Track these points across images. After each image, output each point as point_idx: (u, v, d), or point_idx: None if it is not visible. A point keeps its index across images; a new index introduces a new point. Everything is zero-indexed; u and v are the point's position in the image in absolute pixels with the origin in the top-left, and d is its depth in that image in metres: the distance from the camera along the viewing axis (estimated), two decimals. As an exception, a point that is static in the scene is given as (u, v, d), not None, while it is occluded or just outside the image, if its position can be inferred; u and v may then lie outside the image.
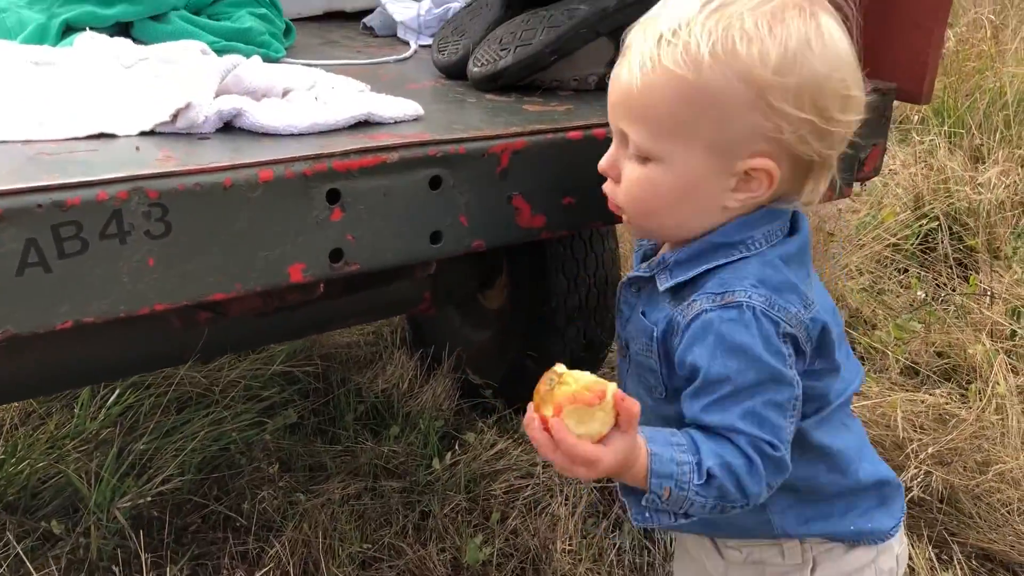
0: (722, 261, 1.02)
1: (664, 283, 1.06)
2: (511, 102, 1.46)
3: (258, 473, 2.14)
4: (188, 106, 1.14)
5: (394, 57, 1.78)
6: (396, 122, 1.29)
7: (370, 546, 1.92)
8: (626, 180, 1.06)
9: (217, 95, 1.21)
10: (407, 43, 1.96)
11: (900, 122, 4.04)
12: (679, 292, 1.05)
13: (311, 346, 2.66)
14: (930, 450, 2.01)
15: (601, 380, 0.92)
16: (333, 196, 1.12)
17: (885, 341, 2.51)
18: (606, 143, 1.35)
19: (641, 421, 0.94)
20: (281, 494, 2.06)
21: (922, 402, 2.16)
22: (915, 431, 2.09)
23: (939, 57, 1.71)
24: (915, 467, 1.99)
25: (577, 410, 0.89)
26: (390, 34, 2.09)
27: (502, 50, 1.51)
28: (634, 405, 0.91)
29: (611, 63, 1.54)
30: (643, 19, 1.04)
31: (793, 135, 0.97)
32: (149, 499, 2.02)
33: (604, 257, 2.33)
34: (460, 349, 2.57)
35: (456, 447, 2.23)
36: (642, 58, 0.99)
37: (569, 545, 1.98)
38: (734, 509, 0.99)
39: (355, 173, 1.15)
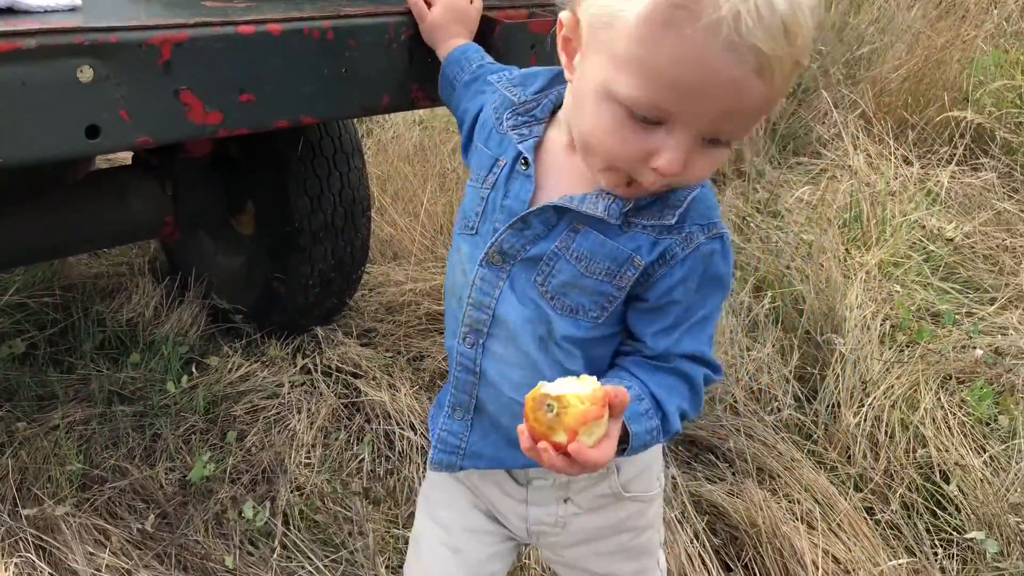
0: (694, 192, 1.00)
1: (652, 218, 0.99)
2: (194, 0, 1.42)
3: (-23, 405, 2.03)
4: None
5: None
6: (46, 11, 1.22)
7: (91, 468, 1.87)
8: (697, 169, 0.93)
9: None
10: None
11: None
12: (658, 218, 1.00)
13: (52, 277, 2.53)
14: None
15: (591, 384, 0.89)
16: (-44, 82, 1.06)
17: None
18: (284, 38, 1.36)
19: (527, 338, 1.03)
20: (1, 424, 1.97)
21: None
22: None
23: None
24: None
25: (588, 427, 0.88)
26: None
27: (187, -53, 1.46)
28: (624, 394, 0.90)
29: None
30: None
31: None
32: None
33: (350, 176, 2.32)
34: (211, 275, 2.52)
35: (194, 370, 2.19)
36: (779, 60, 0.84)
37: (307, 458, 1.99)
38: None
39: (-15, 59, 1.09)
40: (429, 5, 1.43)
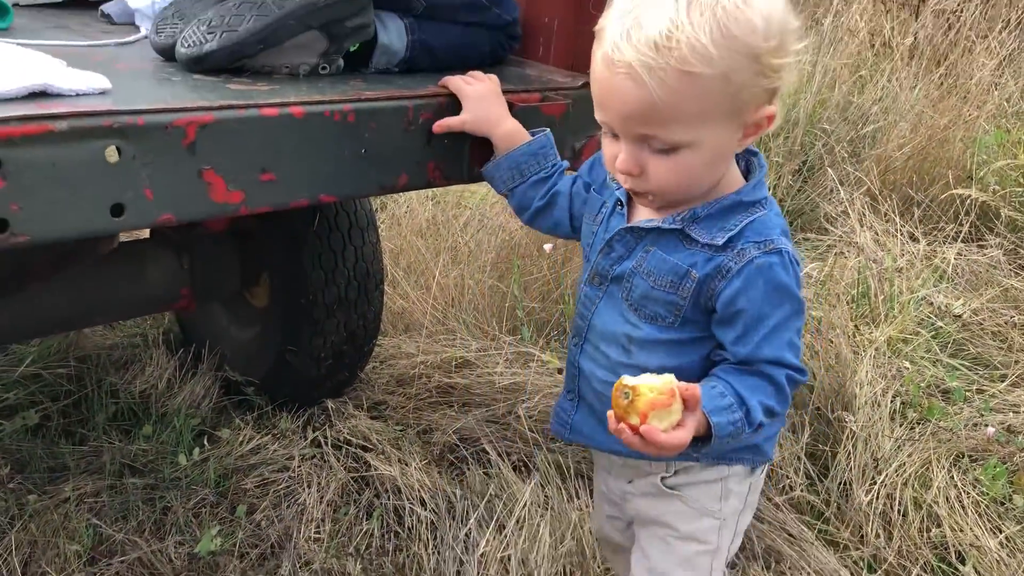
0: (753, 216, 1.18)
1: (706, 237, 1.18)
2: (217, 81, 1.46)
3: (-12, 477, 2.04)
4: None
5: (115, 40, 1.75)
6: (78, 95, 1.27)
7: (100, 541, 1.87)
8: (658, 172, 1.14)
9: None
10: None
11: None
12: (710, 238, 1.18)
13: (67, 348, 2.56)
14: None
15: (665, 379, 1.08)
16: (-7, 163, 1.10)
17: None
18: (306, 120, 1.40)
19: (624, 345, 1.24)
20: (12, 496, 1.97)
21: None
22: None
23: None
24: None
25: (658, 413, 1.06)
26: (128, 22, 2.04)
27: (209, 33, 1.51)
28: (695, 389, 1.09)
29: (324, 54, 1.59)
30: (616, 25, 1.08)
31: (782, 79, 1.11)
32: None
33: (364, 250, 2.36)
34: (224, 347, 2.54)
35: (206, 442, 2.20)
36: (648, 67, 1.04)
37: (316, 532, 1.98)
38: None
39: (17, 141, 1.13)
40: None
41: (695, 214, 1.19)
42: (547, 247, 2.73)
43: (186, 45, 1.52)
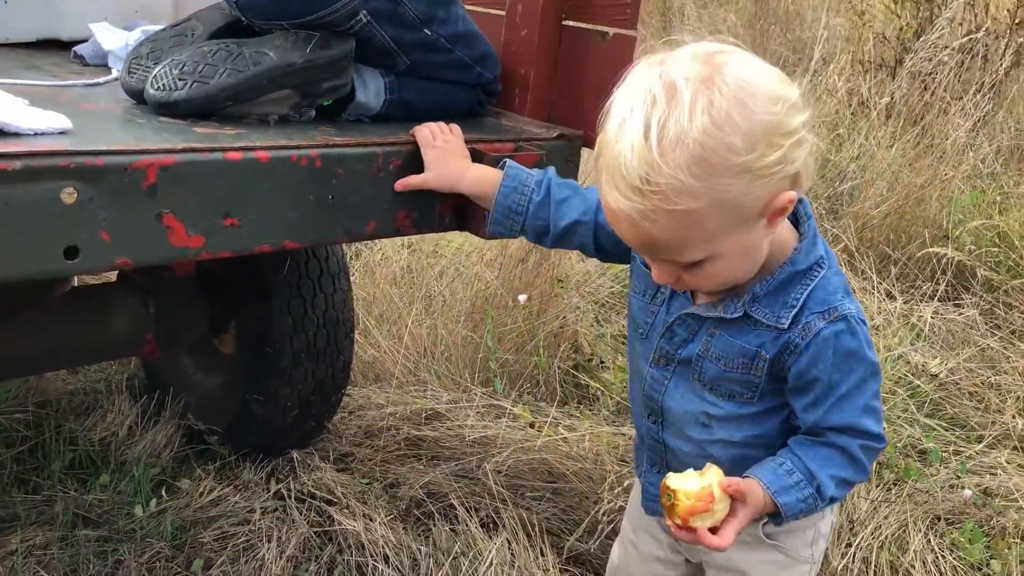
0: (812, 284, 1.16)
1: (770, 318, 1.17)
2: (184, 124, 1.43)
3: (-64, 527, 1.96)
4: None
5: (84, 81, 1.72)
6: (36, 134, 1.23)
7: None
8: (694, 281, 1.15)
9: None
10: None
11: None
12: (775, 319, 1.18)
13: (26, 392, 2.49)
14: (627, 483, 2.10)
15: (705, 483, 1.12)
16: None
17: (609, 383, 2.62)
18: (271, 165, 1.37)
19: (705, 424, 1.25)
20: (-43, 548, 1.89)
21: (629, 436, 2.26)
22: (617, 464, 2.18)
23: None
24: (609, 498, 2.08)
25: (699, 516, 1.11)
26: (101, 63, 2.02)
27: (180, 79, 1.48)
28: (740, 484, 1.13)
29: (295, 107, 1.57)
30: (601, 161, 1.07)
31: (792, 164, 1.06)
32: None
33: (335, 298, 2.31)
34: (189, 394, 2.48)
35: (164, 493, 2.13)
36: (639, 211, 1.03)
37: (274, 590, 1.91)
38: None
39: (-33, 180, 1.10)
40: None
41: (754, 295, 1.18)
42: (522, 298, 2.70)
43: (155, 87, 1.49)
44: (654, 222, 1.03)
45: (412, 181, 1.49)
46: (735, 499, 1.12)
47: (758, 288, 1.17)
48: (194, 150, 1.29)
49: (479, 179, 1.47)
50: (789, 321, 1.16)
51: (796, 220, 1.22)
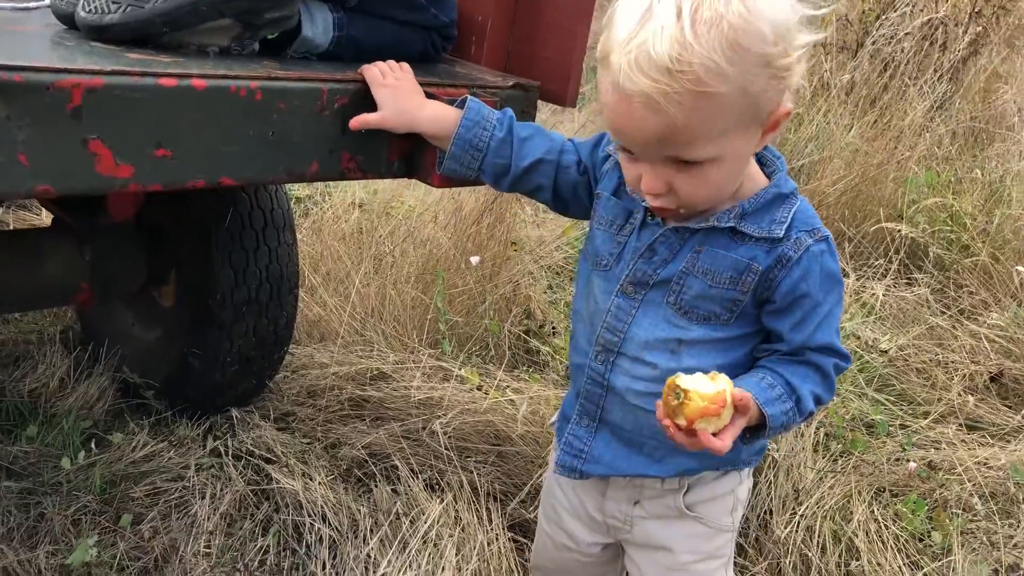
0: (795, 205, 1.19)
1: (761, 231, 1.17)
2: (116, 49, 1.35)
3: None
4: None
5: (11, 4, 1.62)
6: (-51, 48, 1.15)
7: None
8: (685, 188, 1.13)
9: None
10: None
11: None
12: (767, 231, 1.18)
13: (-49, 342, 2.39)
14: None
15: (719, 387, 1.09)
16: None
17: (560, 347, 2.58)
18: (208, 94, 1.29)
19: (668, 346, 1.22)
20: None
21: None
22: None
23: (582, 60, 1.78)
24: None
25: (707, 420, 1.08)
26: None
27: (114, 3, 1.39)
28: (748, 397, 1.11)
29: (237, 39, 1.49)
30: (622, 54, 1.04)
31: (795, 74, 1.09)
32: None
33: (279, 251, 2.23)
34: (126, 347, 2.39)
35: (94, 446, 2.05)
36: (664, 94, 1.02)
37: (206, 547, 1.85)
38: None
39: None
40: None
41: (743, 209, 1.18)
42: (474, 260, 2.64)
43: (86, 9, 1.40)
44: (679, 105, 1.02)
45: (368, 119, 1.42)
46: (738, 410, 1.11)
47: (747, 204, 1.18)
48: (125, 73, 1.21)
49: (437, 116, 1.41)
50: (783, 233, 1.17)
51: (761, 163, 1.24)
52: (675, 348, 1.23)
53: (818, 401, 1.20)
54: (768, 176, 1.23)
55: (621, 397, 1.28)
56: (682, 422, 1.09)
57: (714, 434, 1.09)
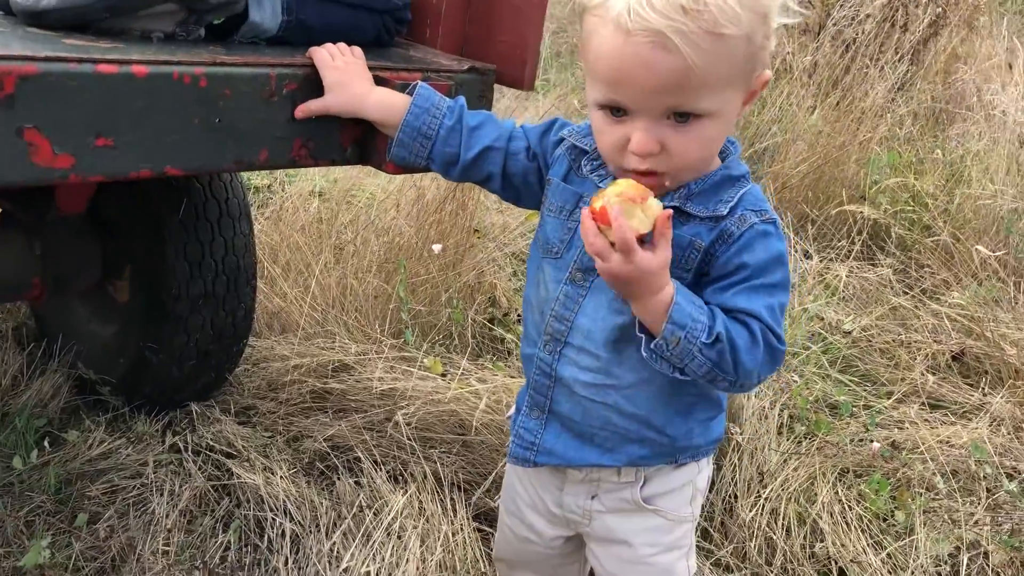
0: (745, 188, 1.17)
1: (706, 211, 1.15)
2: (53, 36, 1.30)
3: None
4: None
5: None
6: None
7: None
8: (679, 147, 1.10)
9: None
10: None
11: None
12: (712, 211, 1.16)
13: (-101, 340, 2.32)
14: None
15: (646, 189, 1.07)
16: None
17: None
18: (150, 81, 1.26)
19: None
20: None
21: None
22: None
23: (539, 43, 1.75)
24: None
25: (623, 203, 1.05)
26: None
27: (51, -14, 1.35)
28: (670, 218, 1.07)
29: (182, 24, 1.45)
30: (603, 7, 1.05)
31: (773, 42, 1.10)
32: None
33: (235, 242, 2.19)
34: (81, 343, 2.34)
35: (47, 445, 2.00)
36: (680, 32, 1.00)
37: (165, 544, 1.82)
38: (723, 383, 1.14)
39: None
40: None
41: (690, 191, 1.17)
42: (436, 248, 2.61)
43: (23, -7, 1.35)
44: (695, 46, 1.01)
45: (311, 106, 1.39)
46: (656, 228, 1.07)
47: (693, 185, 1.17)
48: (61, 59, 1.17)
49: (384, 102, 1.38)
50: (727, 211, 1.15)
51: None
52: (619, 336, 1.20)
53: (731, 345, 1.10)
54: (722, 160, 1.22)
55: (569, 388, 1.26)
56: (598, 204, 1.06)
57: (639, 241, 1.05)
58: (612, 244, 1.06)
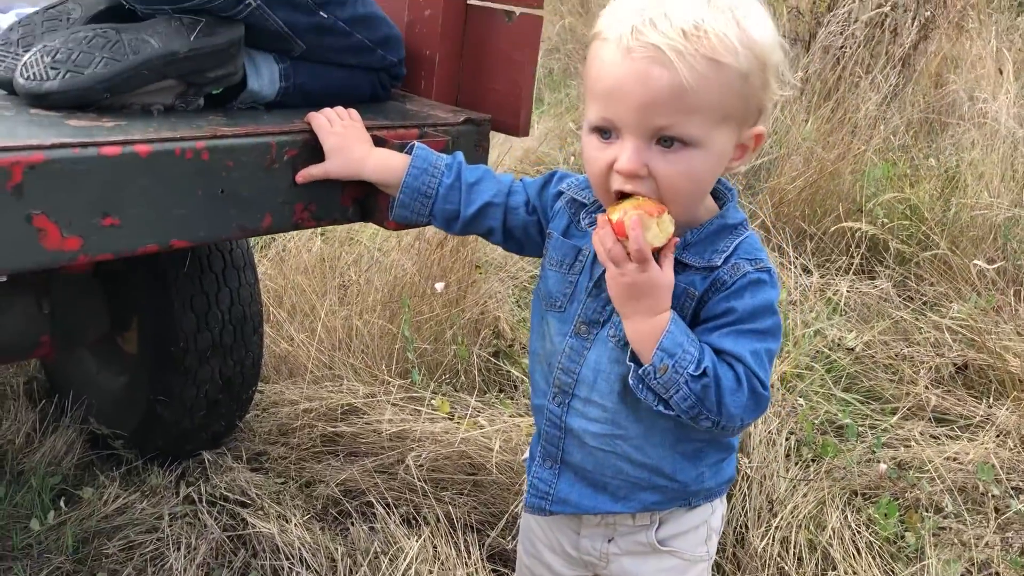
0: (741, 237, 1.19)
1: (701, 261, 1.18)
2: (57, 116, 1.33)
3: None
4: None
5: (-50, 69, 1.59)
6: None
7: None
8: (665, 172, 1.11)
9: None
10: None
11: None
12: (706, 261, 1.18)
13: (-89, 402, 2.35)
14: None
15: (662, 205, 1.10)
16: None
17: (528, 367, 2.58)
18: (153, 159, 1.28)
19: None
20: None
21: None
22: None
23: (532, 89, 1.78)
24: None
25: (640, 215, 1.08)
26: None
27: (52, 68, 1.37)
28: (675, 243, 1.13)
29: (181, 96, 1.48)
30: (631, 18, 1.08)
31: (770, 96, 1.13)
32: None
33: (240, 292, 2.22)
34: (92, 397, 2.36)
35: (63, 504, 2.02)
36: (678, 51, 1.04)
37: (183, 601, 1.83)
38: (705, 421, 1.13)
39: None
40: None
41: (685, 241, 1.19)
42: (439, 286, 2.64)
43: (25, 76, 1.38)
44: (691, 67, 1.04)
45: (312, 172, 1.42)
46: (664, 255, 1.13)
47: (689, 235, 1.19)
48: (65, 146, 1.20)
49: (383, 164, 1.41)
50: (721, 261, 1.17)
51: (714, 194, 1.24)
52: (620, 386, 1.21)
53: (718, 381, 1.11)
54: (720, 207, 1.24)
55: (579, 439, 1.27)
56: (615, 216, 1.09)
57: (655, 253, 1.11)
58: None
